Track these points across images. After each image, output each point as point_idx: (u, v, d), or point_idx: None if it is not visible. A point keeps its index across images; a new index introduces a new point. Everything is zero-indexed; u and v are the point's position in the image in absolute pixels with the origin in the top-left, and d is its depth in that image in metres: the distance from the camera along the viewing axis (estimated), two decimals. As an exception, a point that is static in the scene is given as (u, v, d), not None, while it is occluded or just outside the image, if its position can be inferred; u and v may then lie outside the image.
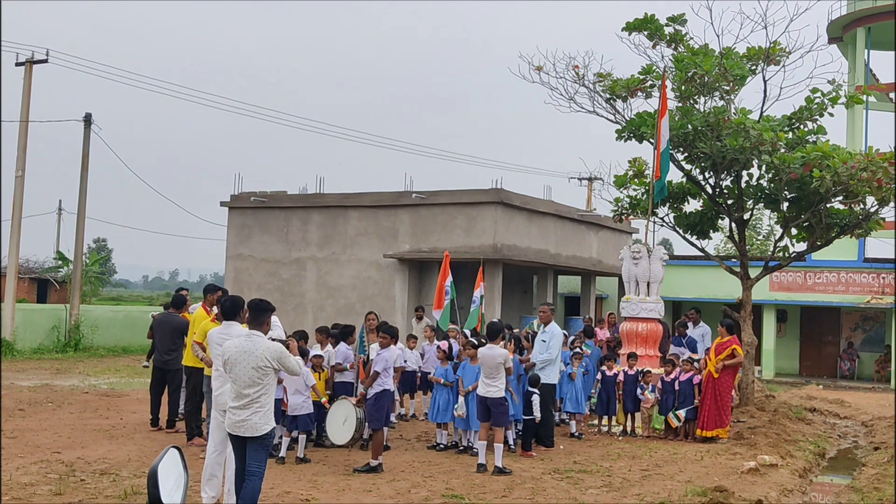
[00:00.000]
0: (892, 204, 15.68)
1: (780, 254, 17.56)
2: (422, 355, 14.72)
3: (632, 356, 14.33)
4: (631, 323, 15.10)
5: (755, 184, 16.38)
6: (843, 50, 38.65)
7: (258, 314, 7.39)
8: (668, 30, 16.23)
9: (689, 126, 15.42)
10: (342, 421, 10.79)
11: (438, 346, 13.62)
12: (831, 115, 16.05)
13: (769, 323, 27.96)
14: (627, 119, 16.29)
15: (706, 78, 15.33)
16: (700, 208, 17.76)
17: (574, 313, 29.84)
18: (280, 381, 9.78)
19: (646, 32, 16.30)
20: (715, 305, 23.15)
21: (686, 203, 17.83)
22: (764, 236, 42.93)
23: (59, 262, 41.07)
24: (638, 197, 17.23)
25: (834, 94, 15.67)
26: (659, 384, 13.76)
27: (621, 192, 17.39)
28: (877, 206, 15.85)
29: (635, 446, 12.70)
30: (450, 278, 15.20)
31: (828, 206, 15.82)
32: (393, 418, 12.70)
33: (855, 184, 14.54)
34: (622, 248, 16.42)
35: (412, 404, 14.99)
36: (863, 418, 18.25)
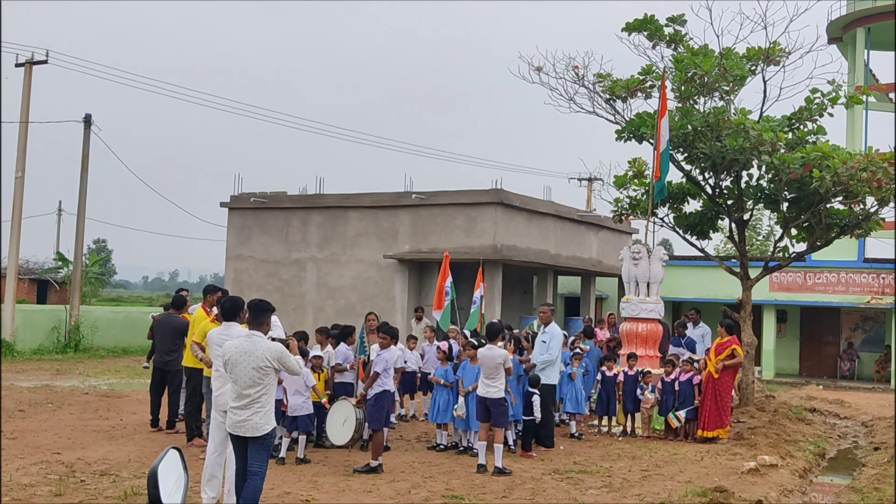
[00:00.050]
0: (891, 204, 15.69)
1: (780, 254, 17.56)
2: (422, 356, 14.72)
3: (632, 357, 14.33)
4: (631, 323, 15.09)
5: (755, 184, 16.38)
6: (842, 50, 38.65)
7: (258, 314, 7.41)
8: (667, 30, 16.23)
9: (689, 126, 15.42)
10: (342, 421, 10.79)
11: (438, 347, 13.62)
12: (831, 115, 16.07)
13: (769, 323, 27.96)
14: (627, 119, 16.29)
15: (706, 78, 15.33)
16: (700, 209, 17.76)
17: (574, 314, 29.84)
18: (280, 382, 9.78)
19: (645, 33, 16.30)
20: (715, 306, 23.16)
21: (686, 203, 17.83)
22: (764, 237, 42.95)
23: (59, 263, 41.07)
24: (638, 197, 17.23)
25: (834, 94, 15.68)
26: (659, 384, 13.76)
27: (621, 193, 17.40)
28: (877, 207, 15.85)
29: (635, 447, 12.70)
30: (449, 279, 15.20)
31: (828, 206, 15.82)
32: (393, 419, 12.70)
33: (855, 184, 14.55)
34: (622, 248, 16.42)
35: (412, 405, 14.99)
36: (863, 418, 18.25)
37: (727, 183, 16.61)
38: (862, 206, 16.03)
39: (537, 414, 11.79)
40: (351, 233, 25.52)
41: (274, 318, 8.14)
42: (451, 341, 13.95)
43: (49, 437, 11.70)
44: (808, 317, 29.26)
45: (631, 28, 16.32)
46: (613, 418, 14.12)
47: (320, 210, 26.10)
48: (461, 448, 11.82)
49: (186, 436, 11.56)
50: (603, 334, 17.58)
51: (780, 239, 17.51)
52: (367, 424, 10.60)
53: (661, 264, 15.31)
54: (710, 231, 17.97)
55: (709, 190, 16.77)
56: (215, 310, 10.43)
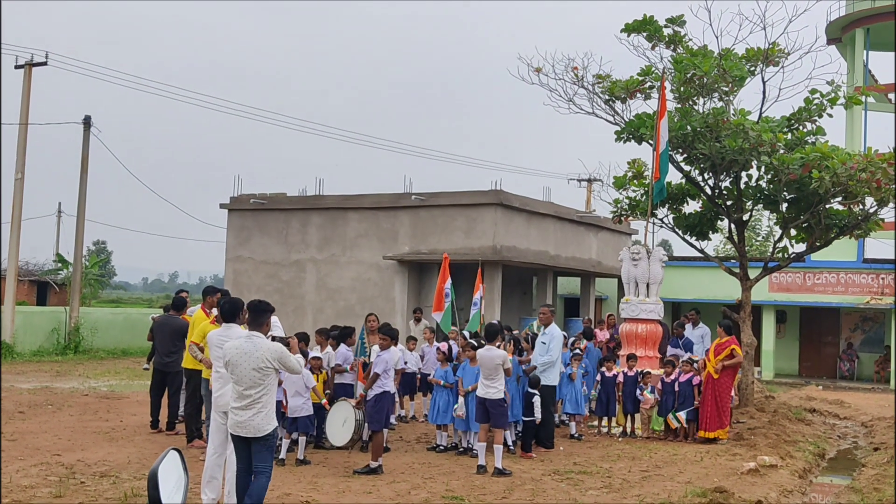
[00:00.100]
0: (891, 204, 15.69)
1: (780, 255, 17.56)
2: (421, 357, 14.72)
3: (631, 357, 14.33)
4: (630, 324, 15.10)
5: (754, 185, 16.38)
6: (841, 51, 38.67)
7: (258, 315, 7.44)
8: (666, 31, 16.24)
9: (689, 127, 15.43)
10: (341, 422, 10.80)
11: (438, 348, 13.62)
12: (830, 115, 16.07)
13: (768, 324, 27.96)
14: (626, 120, 16.30)
15: (705, 79, 15.34)
16: (699, 209, 17.76)
17: (574, 314, 29.85)
18: (280, 384, 9.79)
19: (645, 34, 16.30)
20: (714, 306, 23.16)
21: (685, 204, 17.83)
22: (763, 237, 42.91)
23: (59, 265, 41.04)
24: (637, 198, 17.23)
25: (833, 94, 15.68)
26: (659, 385, 13.76)
27: (620, 194, 17.40)
28: (876, 207, 15.86)
29: (635, 447, 12.70)
30: (449, 281, 15.20)
31: (827, 206, 15.82)
32: (393, 420, 12.70)
33: (854, 184, 14.56)
34: (621, 249, 16.41)
35: (412, 406, 14.99)
36: (862, 419, 18.26)
37: (726, 184, 16.62)
38: (861, 207, 16.04)
39: (538, 415, 11.79)
40: (350, 234, 25.52)
41: (274, 319, 8.16)
42: (451, 342, 13.95)
43: (49, 439, 11.70)
44: (808, 317, 29.26)
45: (630, 29, 16.33)
46: (613, 419, 14.12)
47: (320, 211, 26.10)
48: (461, 449, 11.83)
49: (186, 437, 11.56)
50: (602, 335, 17.58)
51: (780, 239, 17.51)
52: (366, 425, 10.60)
53: (661, 265, 15.32)
54: (710, 232, 17.97)
55: (708, 191, 16.77)
56: (215, 311, 10.43)
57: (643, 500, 9.31)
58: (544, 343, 12.34)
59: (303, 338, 12.06)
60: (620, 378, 14.01)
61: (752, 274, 17.24)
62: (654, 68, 16.15)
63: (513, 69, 19.26)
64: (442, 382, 12.16)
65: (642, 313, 15.01)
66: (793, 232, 17.00)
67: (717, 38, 15.93)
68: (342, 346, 12.41)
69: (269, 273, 26.73)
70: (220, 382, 8.44)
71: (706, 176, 16.58)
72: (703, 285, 28.00)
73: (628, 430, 13.90)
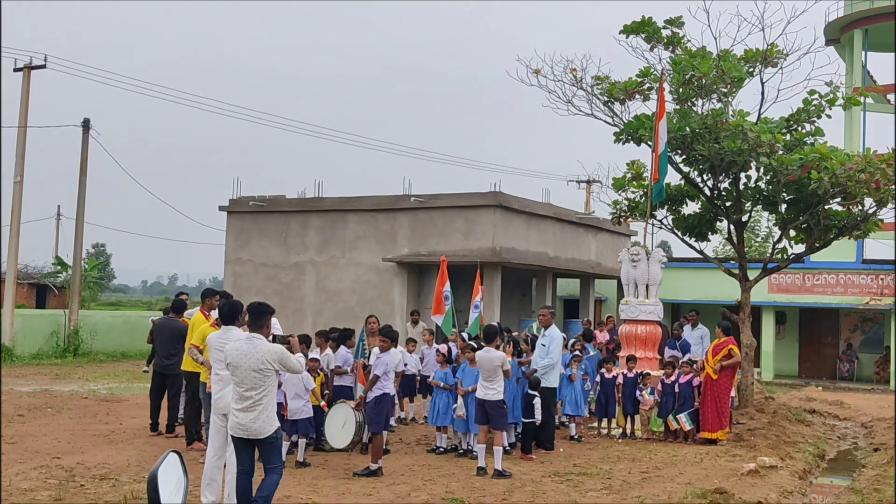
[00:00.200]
0: (890, 205, 15.70)
1: (779, 255, 17.56)
2: (421, 359, 14.72)
3: (631, 359, 14.33)
4: (630, 325, 15.10)
5: (753, 186, 16.38)
6: (840, 52, 38.71)
7: (258, 317, 7.48)
8: (665, 32, 16.24)
9: (687, 128, 15.43)
10: (341, 424, 10.79)
11: (437, 350, 13.62)
12: (829, 116, 16.08)
13: (768, 325, 27.96)
14: (625, 122, 16.30)
15: (704, 80, 15.34)
16: (698, 210, 17.76)
17: (573, 316, 29.84)
18: (279, 385, 9.79)
19: (643, 35, 16.30)
20: (714, 307, 23.17)
21: (684, 205, 17.83)
22: (762, 238, 42.92)
23: (58, 268, 41.05)
24: (636, 199, 17.23)
25: (831, 95, 15.69)
26: (659, 386, 13.76)
27: (620, 195, 17.39)
28: (875, 208, 15.86)
29: (635, 449, 12.70)
30: (447, 284, 15.16)
31: (826, 207, 15.82)
32: (392, 422, 12.70)
33: (853, 185, 14.56)
34: (621, 250, 16.41)
35: (412, 408, 14.99)
36: (862, 420, 18.26)
37: (725, 185, 16.62)
38: (860, 208, 16.04)
39: (538, 416, 11.79)
40: (350, 236, 25.53)
41: (273, 320, 8.18)
42: (451, 344, 13.95)
43: (48, 442, 11.69)
44: (807, 318, 29.26)
45: (629, 30, 16.34)
46: (613, 420, 14.12)
47: (319, 213, 26.10)
48: (461, 451, 11.82)
49: (186, 440, 11.55)
50: (602, 336, 17.58)
51: (779, 240, 17.51)
52: (366, 427, 10.59)
53: (660, 266, 15.32)
54: (709, 233, 17.96)
55: (707, 192, 16.77)
56: (215, 314, 10.42)
57: (643, 502, 9.31)
58: (544, 345, 12.33)
59: (303, 340, 12.06)
60: (620, 380, 14.00)
61: (752, 275, 17.24)
62: (652, 70, 16.16)
63: (512, 71, 19.27)
64: (441, 384, 12.16)
65: (642, 314, 15.01)
66: (792, 233, 17.00)
67: (715, 39, 15.93)
68: (342, 348, 12.41)
69: (269, 275, 26.73)
70: (219, 385, 8.45)
71: (705, 177, 16.58)
72: (702, 286, 28.00)
73: (628, 431, 13.90)
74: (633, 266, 15.32)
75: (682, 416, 13.34)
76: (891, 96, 38.45)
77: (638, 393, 13.78)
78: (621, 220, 17.96)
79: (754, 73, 15.85)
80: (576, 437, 13.44)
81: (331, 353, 12.39)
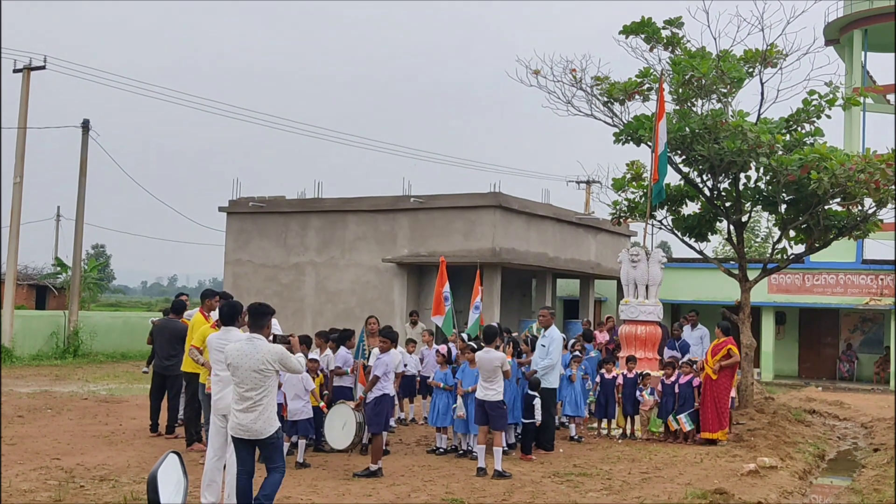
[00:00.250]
0: (890, 205, 15.70)
1: (779, 256, 17.56)
2: (421, 360, 14.72)
3: (630, 359, 14.32)
4: (630, 326, 15.10)
5: (753, 186, 16.38)
6: (839, 52, 38.73)
7: (258, 318, 7.51)
8: (664, 33, 16.25)
9: (687, 129, 15.43)
10: (341, 425, 10.78)
11: (437, 351, 13.62)
12: (828, 117, 16.09)
13: (768, 325, 27.96)
14: (625, 122, 16.30)
15: (703, 81, 15.34)
16: (698, 211, 17.77)
17: (573, 316, 29.85)
18: (279, 387, 9.79)
19: (643, 35, 16.31)
20: (713, 308, 23.17)
21: (684, 206, 17.83)
22: (762, 238, 42.92)
23: (58, 269, 41.03)
24: (636, 200, 17.23)
25: (831, 96, 15.69)
26: (659, 387, 13.76)
27: (619, 195, 17.40)
28: (875, 208, 15.86)
29: (635, 449, 12.69)
30: (447, 284, 15.15)
31: (826, 207, 15.82)
32: (392, 422, 12.69)
33: (853, 185, 14.56)
34: (621, 250, 16.41)
35: (411, 408, 14.99)
36: (862, 420, 18.25)
37: (725, 185, 16.62)
38: (860, 208, 16.04)
39: (538, 417, 11.79)
40: (349, 237, 25.53)
41: (272, 320, 8.19)
42: (450, 345, 13.95)
43: (48, 443, 11.69)
44: (807, 318, 29.27)
45: (628, 31, 16.34)
46: (613, 421, 14.11)
47: (319, 214, 26.10)
48: (461, 451, 11.82)
49: (186, 441, 11.55)
50: (602, 337, 17.57)
51: (779, 241, 17.51)
52: (366, 428, 10.59)
53: (660, 266, 15.32)
54: (709, 233, 17.97)
55: (707, 192, 16.77)
56: (214, 314, 10.42)
57: (643, 502, 9.31)
58: (544, 346, 12.33)
59: (304, 340, 12.05)
60: (620, 380, 14.00)
61: (751, 275, 17.24)
62: (652, 70, 16.16)
63: (511, 71, 19.27)
64: (441, 385, 12.16)
65: (641, 315, 15.01)
66: (792, 233, 17.00)
67: (715, 39, 15.91)
68: (342, 349, 12.41)
69: (269, 276, 26.73)
70: (219, 386, 8.45)
71: (705, 177, 16.58)
72: (702, 287, 28.00)
73: (628, 431, 13.89)
74: (632, 266, 15.32)
75: (682, 417, 13.34)
76: (890, 96, 38.46)
77: (638, 393, 13.78)
78: (621, 220, 17.96)
79: (754, 74, 15.85)
80: (576, 437, 13.43)
81: (330, 354, 12.40)
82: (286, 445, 10.73)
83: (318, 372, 11.82)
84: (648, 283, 15.21)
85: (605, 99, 16.40)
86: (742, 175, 16.20)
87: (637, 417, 13.94)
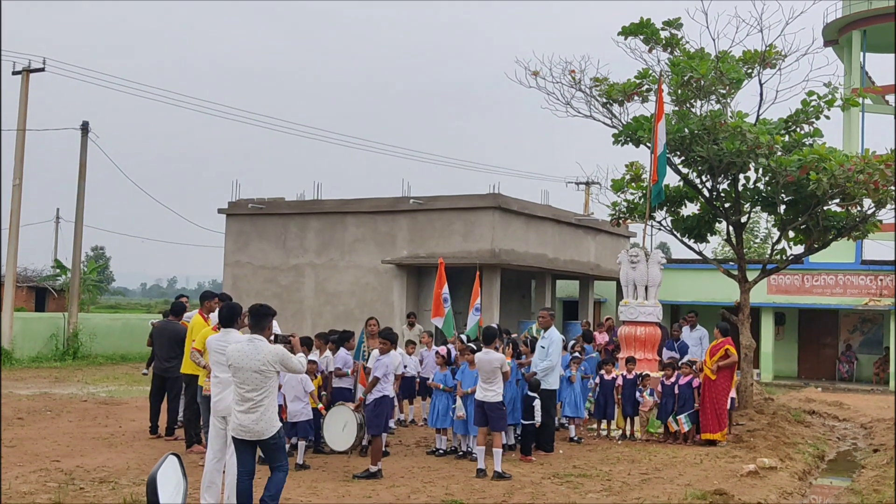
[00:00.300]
0: (889, 206, 15.71)
1: (778, 256, 17.57)
2: (420, 361, 14.72)
3: (630, 360, 14.32)
4: (629, 327, 15.10)
5: (752, 187, 16.40)
6: (838, 53, 38.77)
7: (259, 319, 7.54)
8: (663, 34, 16.27)
9: (686, 130, 15.44)
10: (341, 427, 10.78)
11: (437, 352, 13.61)
12: (827, 117, 16.10)
13: (767, 326, 27.96)
14: (624, 123, 16.32)
15: (702, 82, 15.36)
16: (697, 212, 17.78)
17: (572, 318, 29.84)
18: (279, 388, 9.80)
19: (641, 37, 16.33)
20: (713, 308, 23.17)
21: (683, 206, 17.86)
22: (761, 239, 42.96)
23: (57, 271, 41.04)
24: (635, 201, 17.24)
25: (830, 96, 15.71)
26: (659, 388, 13.76)
27: (619, 197, 17.41)
28: (874, 209, 15.88)
29: (634, 450, 12.69)
30: (446, 286, 15.13)
31: (825, 208, 15.84)
32: (392, 424, 12.70)
33: (852, 186, 14.57)
34: (620, 252, 16.42)
35: (411, 410, 14.99)
36: (862, 420, 18.25)
37: (724, 186, 16.63)
38: (859, 209, 16.06)
39: (538, 418, 11.79)
40: (349, 238, 25.52)
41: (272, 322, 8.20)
42: (450, 346, 13.95)
43: (48, 445, 11.68)
44: (807, 319, 29.27)
45: (627, 32, 16.36)
46: (612, 422, 14.11)
47: (318, 216, 26.11)
48: (460, 453, 11.82)
49: (185, 442, 11.55)
50: (602, 338, 17.57)
51: (778, 241, 17.52)
52: (366, 430, 10.59)
53: (659, 267, 15.33)
54: (708, 234, 17.98)
55: (706, 193, 16.79)
56: (214, 316, 10.42)
57: (643, 503, 9.31)
58: (543, 347, 12.33)
59: (305, 342, 12.05)
60: (619, 381, 14.00)
61: (751, 276, 17.25)
62: (651, 71, 16.18)
63: (510, 73, 19.27)
64: (441, 386, 12.16)
65: (641, 316, 15.01)
66: (791, 234, 17.02)
67: (714, 40, 15.92)
68: (341, 350, 12.41)
69: (268, 278, 26.73)
70: (219, 387, 8.45)
71: (704, 178, 16.60)
72: (701, 288, 28.01)
73: (628, 432, 13.89)
74: (632, 267, 15.32)
75: (682, 418, 13.35)
76: (889, 97, 38.51)
77: (638, 394, 13.78)
78: (620, 221, 17.98)
79: (753, 75, 15.87)
80: (575, 438, 13.43)
81: (330, 356, 12.40)
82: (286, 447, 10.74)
83: (317, 373, 11.81)
84: (648, 284, 15.22)
85: (604, 100, 16.42)
86: (741, 176, 16.22)
87: (637, 418, 13.94)
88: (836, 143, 26.49)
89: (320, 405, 11.40)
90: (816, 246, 16.72)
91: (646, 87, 16.11)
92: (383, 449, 10.97)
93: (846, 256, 26.18)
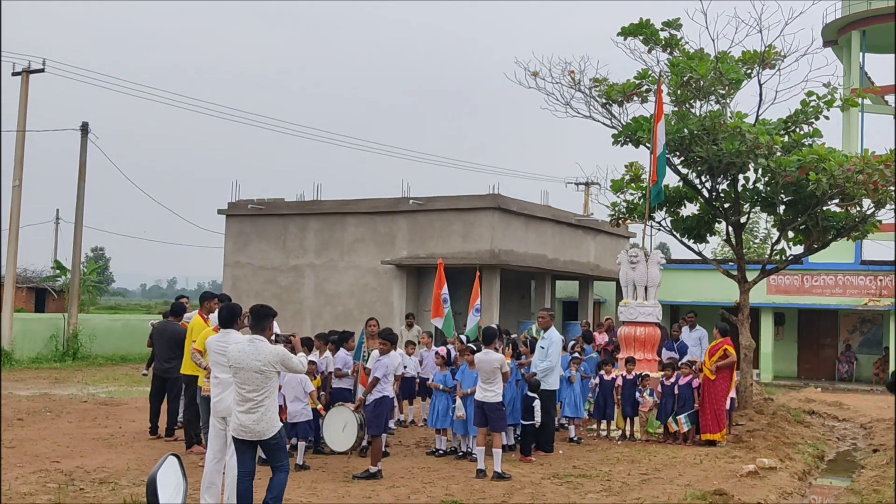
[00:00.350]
0: (888, 206, 15.72)
1: (778, 257, 17.58)
2: (420, 361, 14.72)
3: (630, 361, 14.32)
4: (629, 327, 15.10)
5: (751, 187, 16.40)
6: (837, 53, 38.77)
7: (260, 320, 7.56)
8: (663, 34, 16.28)
9: (686, 130, 15.45)
10: (341, 427, 10.78)
11: (437, 352, 13.62)
12: (827, 118, 16.10)
13: (767, 326, 27.97)
14: (624, 124, 16.32)
15: (702, 82, 15.36)
16: (697, 212, 17.79)
17: (572, 318, 29.85)
18: (279, 388, 9.80)
19: (641, 37, 16.34)
20: (712, 309, 23.19)
21: (683, 207, 17.86)
22: (761, 239, 42.98)
23: (57, 272, 41.04)
24: (635, 201, 17.25)
25: (829, 97, 15.71)
26: (659, 388, 13.76)
27: (618, 197, 17.42)
28: (873, 209, 15.88)
29: (634, 450, 12.70)
30: (445, 286, 15.13)
31: (824, 208, 15.85)
32: (392, 424, 12.70)
33: (851, 186, 14.58)
34: (619, 252, 16.41)
35: (411, 410, 14.99)
36: (861, 420, 18.25)
37: (724, 186, 16.64)
38: (858, 209, 16.06)
39: (537, 418, 11.79)
40: (348, 239, 25.53)
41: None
42: (449, 346, 13.95)
43: (48, 446, 11.69)
44: (806, 319, 29.28)
45: (626, 32, 16.36)
46: (612, 422, 14.11)
47: (318, 216, 26.11)
48: (460, 453, 11.82)
49: (185, 443, 11.55)
50: (601, 338, 17.57)
51: (777, 242, 17.53)
52: (366, 430, 10.59)
53: (659, 268, 15.33)
54: (708, 234, 17.99)
55: (705, 193, 16.79)
56: (213, 317, 10.42)
57: (642, 503, 9.31)
58: (543, 347, 12.33)
59: (306, 343, 12.04)
60: (619, 382, 14.00)
61: (750, 276, 17.25)
62: (650, 71, 16.18)
63: (510, 73, 19.27)
64: (441, 386, 12.16)
65: (640, 316, 15.02)
66: (790, 234, 17.02)
67: (713, 41, 15.91)
68: (341, 351, 12.42)
69: (268, 278, 26.73)
70: (219, 388, 8.45)
71: (703, 179, 16.60)
72: (701, 288, 28.02)
73: (627, 433, 13.90)
74: (631, 268, 15.33)
75: (682, 418, 13.35)
76: (889, 97, 38.52)
77: (638, 394, 13.79)
78: (620, 221, 17.98)
79: (752, 75, 15.88)
80: (575, 438, 13.44)
81: (329, 356, 12.40)
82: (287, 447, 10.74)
83: (316, 374, 11.82)
84: (647, 284, 15.22)
85: (604, 100, 16.43)
86: (741, 176, 16.22)
87: (636, 419, 13.94)
88: (835, 143, 26.51)
89: (319, 406, 11.40)
90: (816, 246, 16.73)
91: (645, 87, 16.12)
92: (383, 449, 10.97)
93: (846, 257, 26.19)
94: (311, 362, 11.77)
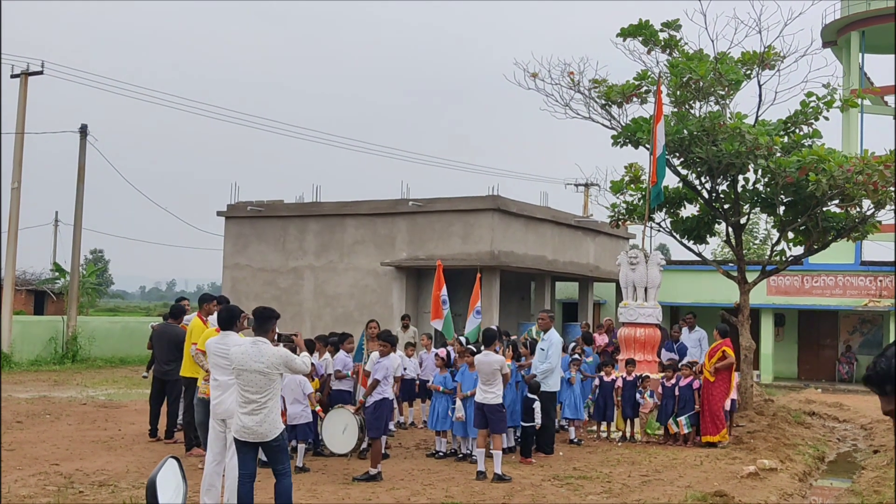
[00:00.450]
0: (888, 207, 15.71)
1: (777, 258, 17.57)
2: (420, 363, 14.71)
3: (630, 362, 14.31)
4: (629, 328, 15.09)
5: (751, 188, 16.40)
6: (837, 54, 38.79)
7: (263, 321, 7.56)
8: (662, 35, 16.27)
9: (685, 131, 15.44)
10: (342, 429, 10.77)
11: (436, 354, 13.60)
12: (826, 118, 16.10)
13: (767, 327, 27.96)
14: (623, 125, 16.32)
15: (701, 83, 15.36)
16: (697, 213, 17.78)
17: (572, 319, 29.84)
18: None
19: (640, 38, 16.33)
20: (712, 310, 23.17)
21: (682, 208, 17.85)
22: (761, 240, 42.95)
23: (56, 274, 41.02)
24: (634, 202, 17.24)
25: (829, 97, 15.71)
26: (659, 389, 13.75)
27: (618, 198, 17.41)
28: (873, 209, 15.87)
29: (635, 452, 12.68)
30: (444, 288, 15.10)
31: (824, 209, 15.84)
32: (392, 426, 12.69)
33: (851, 187, 14.57)
34: (619, 253, 16.40)
35: (411, 412, 14.98)
36: (862, 421, 18.24)
37: (723, 187, 16.63)
38: (858, 209, 16.06)
39: (538, 420, 11.77)
40: (348, 240, 25.52)
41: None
42: (449, 348, 13.93)
43: (47, 449, 11.67)
44: (806, 320, 29.27)
45: (626, 33, 16.36)
46: (612, 424, 14.10)
47: (317, 218, 26.10)
48: (460, 455, 11.81)
49: (185, 445, 11.54)
50: (601, 339, 17.56)
51: (777, 242, 17.52)
52: (366, 432, 10.58)
53: (659, 269, 15.32)
54: (707, 235, 17.97)
55: (705, 194, 16.78)
56: (212, 319, 10.40)
57: (643, 505, 9.30)
58: (543, 349, 12.31)
59: (308, 345, 12.02)
60: (619, 383, 13.99)
61: (750, 277, 17.24)
62: (650, 72, 16.18)
63: (509, 74, 19.26)
64: (441, 388, 12.15)
65: (640, 317, 15.01)
66: (790, 235, 17.01)
67: (712, 41, 15.93)
68: (340, 352, 12.40)
69: (267, 280, 26.71)
70: (218, 391, 8.44)
71: (703, 179, 16.59)
72: (700, 289, 28.00)
73: (628, 434, 13.88)
74: (631, 269, 15.32)
75: (682, 419, 13.34)
76: (888, 98, 38.54)
77: (638, 396, 13.77)
78: (619, 223, 17.97)
79: (751, 76, 15.88)
80: (575, 440, 13.42)
81: (329, 358, 12.39)
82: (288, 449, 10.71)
83: (315, 376, 11.80)
84: (647, 285, 15.22)
85: (603, 101, 16.42)
86: (740, 177, 16.21)
87: (637, 420, 13.92)
88: (835, 144, 26.48)
89: (318, 408, 11.38)
90: (816, 247, 16.72)
91: (644, 88, 16.12)
92: (383, 451, 10.96)
93: (846, 257, 26.18)
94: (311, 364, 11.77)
